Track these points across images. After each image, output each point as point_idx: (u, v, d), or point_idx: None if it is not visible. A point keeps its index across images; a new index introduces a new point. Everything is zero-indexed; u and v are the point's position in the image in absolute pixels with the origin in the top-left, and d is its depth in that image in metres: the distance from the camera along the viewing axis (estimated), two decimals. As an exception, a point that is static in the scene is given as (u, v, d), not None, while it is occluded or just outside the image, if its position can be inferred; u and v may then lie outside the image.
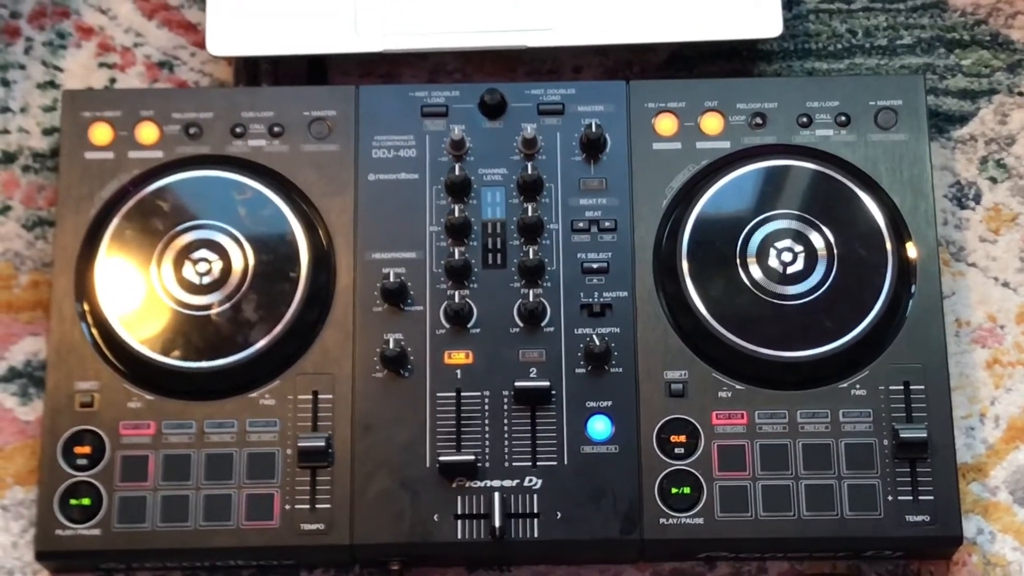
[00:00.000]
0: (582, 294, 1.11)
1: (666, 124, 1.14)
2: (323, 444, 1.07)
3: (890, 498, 1.06)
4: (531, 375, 1.09)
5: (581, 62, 1.24)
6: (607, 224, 1.12)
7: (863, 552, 1.08)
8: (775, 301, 1.10)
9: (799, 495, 1.06)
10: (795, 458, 1.07)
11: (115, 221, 1.12)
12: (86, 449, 1.08)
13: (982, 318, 1.16)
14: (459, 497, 1.07)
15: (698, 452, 1.07)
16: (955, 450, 1.07)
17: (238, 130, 1.15)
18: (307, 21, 1.18)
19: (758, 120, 1.14)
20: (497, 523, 1.05)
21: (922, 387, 1.08)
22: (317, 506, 1.07)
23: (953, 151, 1.20)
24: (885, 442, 1.07)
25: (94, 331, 1.11)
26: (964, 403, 1.14)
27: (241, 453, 1.08)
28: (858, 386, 1.08)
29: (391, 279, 1.10)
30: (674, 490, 1.07)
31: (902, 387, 1.08)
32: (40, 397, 1.14)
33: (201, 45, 1.22)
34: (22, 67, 1.23)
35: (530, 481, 1.07)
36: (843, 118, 1.14)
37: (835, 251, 1.10)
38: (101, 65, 1.23)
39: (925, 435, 1.06)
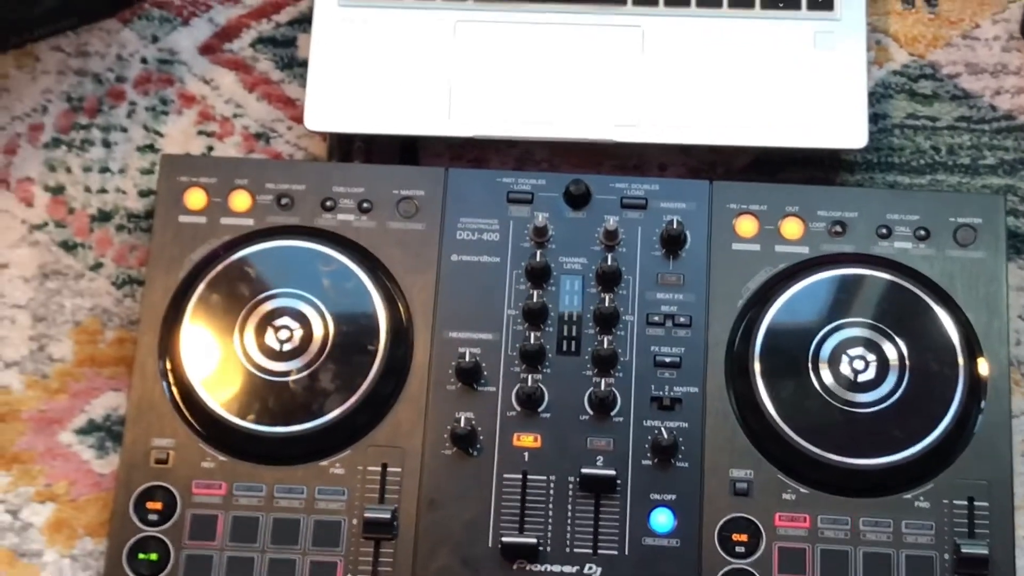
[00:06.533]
0: (653, 386, 1.12)
1: (746, 226, 1.16)
2: (389, 516, 1.08)
3: (948, 613, 1.06)
4: (598, 463, 1.10)
5: (666, 159, 1.25)
6: (682, 319, 1.13)
7: (918, 666, 1.08)
8: (845, 408, 1.10)
9: (857, 602, 1.07)
10: (855, 565, 1.07)
11: (203, 284, 1.14)
12: (157, 505, 1.10)
13: (1050, 439, 1.16)
14: (518, 579, 1.08)
15: (759, 552, 1.08)
16: (1015, 569, 1.07)
17: (328, 203, 1.17)
18: (402, 103, 1.21)
19: (838, 228, 1.15)
20: (554, 608, 1.06)
21: (986, 504, 1.08)
22: (378, 578, 1.08)
23: (1030, 272, 1.21)
24: (946, 556, 1.07)
25: (174, 390, 1.13)
26: (1028, 523, 1.14)
27: (308, 520, 1.09)
28: (922, 498, 1.09)
29: (467, 358, 1.12)
30: (732, 588, 1.07)
31: (966, 502, 1.08)
32: (116, 451, 1.16)
33: (298, 120, 1.25)
34: (124, 130, 1.27)
35: (590, 568, 1.08)
36: (922, 232, 1.15)
37: (907, 362, 1.11)
38: (200, 133, 1.27)
39: (987, 552, 1.06)
